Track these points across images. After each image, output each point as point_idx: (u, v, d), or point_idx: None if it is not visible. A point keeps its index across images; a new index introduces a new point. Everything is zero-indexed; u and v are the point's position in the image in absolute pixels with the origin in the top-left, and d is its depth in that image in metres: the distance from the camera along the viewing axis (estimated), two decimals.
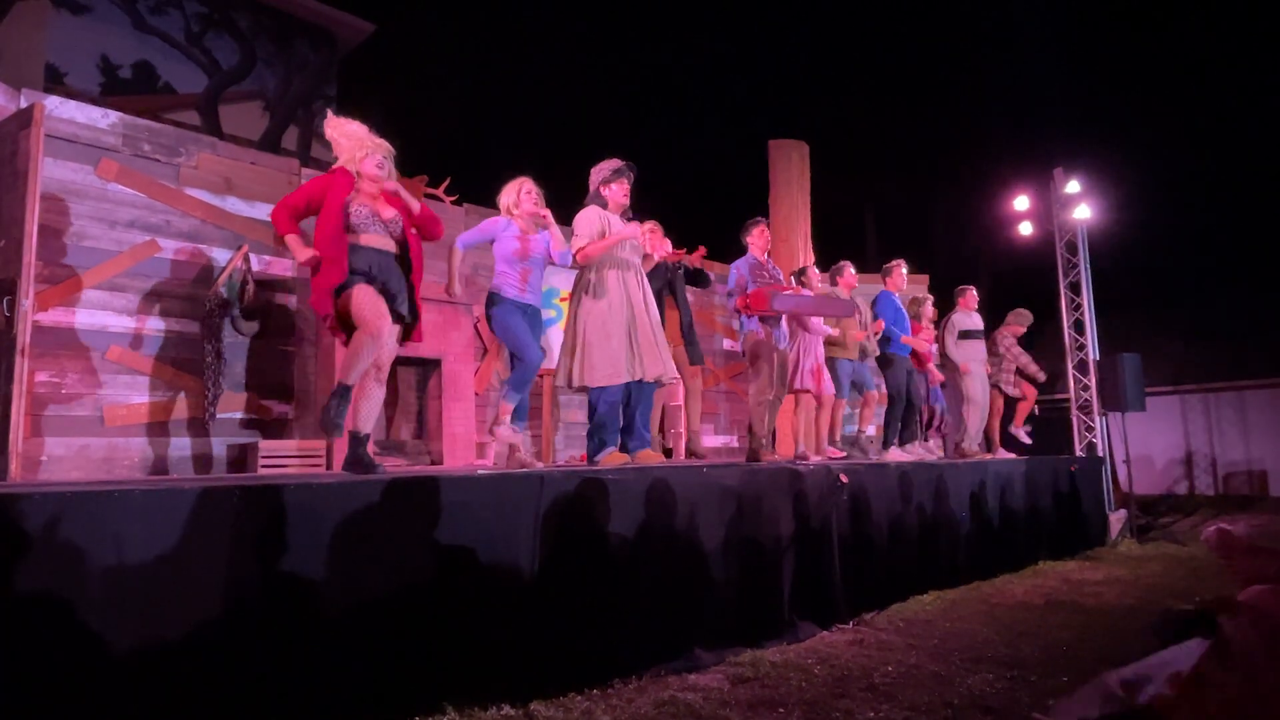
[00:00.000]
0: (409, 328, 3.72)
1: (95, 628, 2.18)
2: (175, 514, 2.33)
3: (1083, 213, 9.42)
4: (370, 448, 4.71)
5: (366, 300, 3.42)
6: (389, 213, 3.61)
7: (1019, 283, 11.39)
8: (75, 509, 2.18)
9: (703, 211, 5.33)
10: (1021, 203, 9.69)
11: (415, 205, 3.73)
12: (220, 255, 5.12)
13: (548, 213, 4.21)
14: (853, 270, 6.68)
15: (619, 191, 4.41)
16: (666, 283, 5.20)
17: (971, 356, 7.34)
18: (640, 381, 4.27)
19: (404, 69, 13.37)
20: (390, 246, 3.60)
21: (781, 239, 7.93)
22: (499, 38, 14.77)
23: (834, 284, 6.71)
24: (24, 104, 4.46)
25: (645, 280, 4.44)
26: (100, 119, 4.77)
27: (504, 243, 4.13)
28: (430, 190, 6.13)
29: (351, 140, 3.65)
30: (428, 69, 13.63)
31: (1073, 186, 9.43)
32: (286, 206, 3.51)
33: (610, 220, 4.37)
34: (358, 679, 2.59)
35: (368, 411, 3.53)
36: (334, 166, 3.68)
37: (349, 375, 3.40)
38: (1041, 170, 9.95)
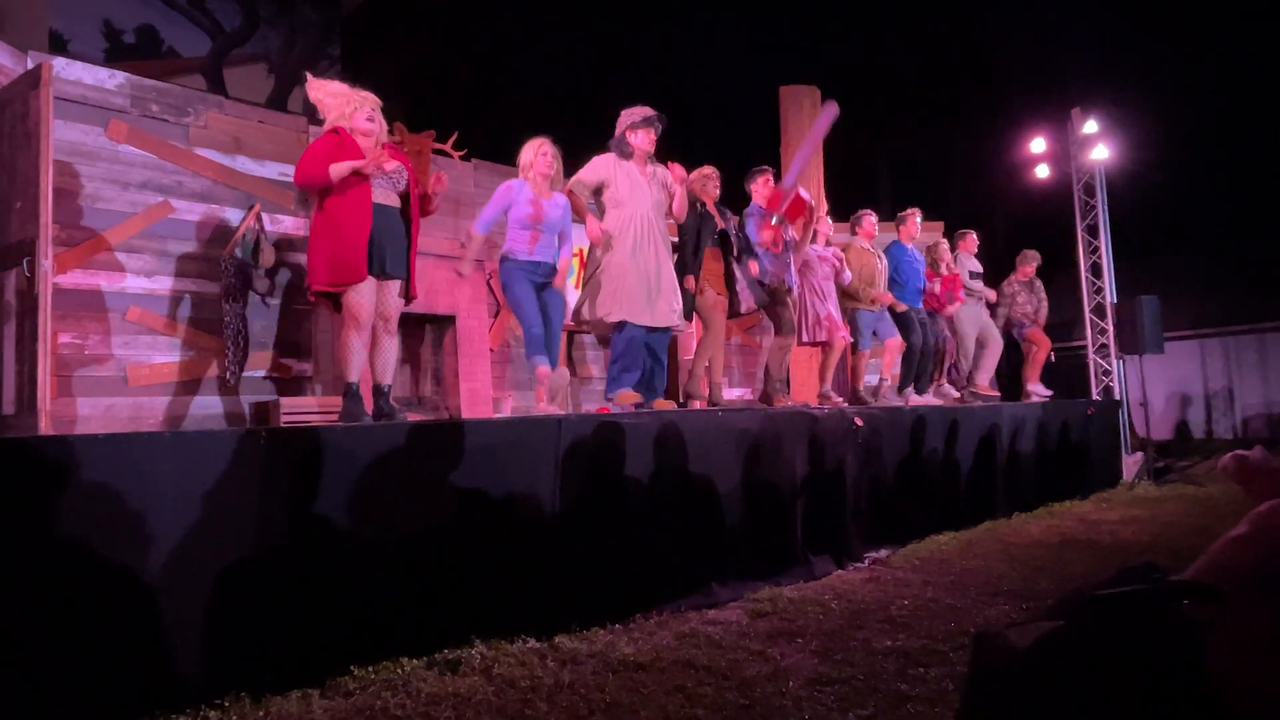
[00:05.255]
0: (407, 284, 3.74)
1: (132, 567, 2.25)
2: (210, 457, 2.39)
3: (1101, 153, 9.24)
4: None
5: (365, 298, 3.46)
6: (391, 165, 3.60)
7: (1035, 226, 11.25)
8: (111, 453, 2.24)
9: (713, 159, 5.26)
10: (1038, 145, 9.51)
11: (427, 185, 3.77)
12: (233, 215, 5.14)
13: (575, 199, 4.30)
14: (873, 219, 6.61)
15: (645, 140, 4.45)
16: (715, 230, 5.14)
17: (977, 294, 7.40)
18: (655, 329, 4.34)
19: (408, 25, 13.19)
20: (394, 202, 3.62)
21: None
22: None
23: (853, 233, 6.67)
24: (30, 66, 4.46)
25: (663, 226, 4.48)
26: (107, 80, 4.77)
27: (517, 207, 4.18)
28: (438, 145, 6.09)
29: (337, 98, 3.64)
30: (431, 24, 13.43)
31: (1090, 126, 9.23)
32: (315, 158, 3.45)
33: (622, 170, 4.40)
34: (388, 614, 2.67)
35: (383, 363, 3.61)
36: (330, 127, 3.65)
37: (351, 372, 3.48)
38: (1059, 111, 9.74)
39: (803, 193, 5.40)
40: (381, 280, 3.56)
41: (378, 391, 3.60)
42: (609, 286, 4.27)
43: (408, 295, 3.78)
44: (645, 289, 4.26)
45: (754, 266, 5.29)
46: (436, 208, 4.00)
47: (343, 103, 3.62)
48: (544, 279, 4.24)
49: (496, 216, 4.25)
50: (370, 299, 3.50)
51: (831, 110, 5.38)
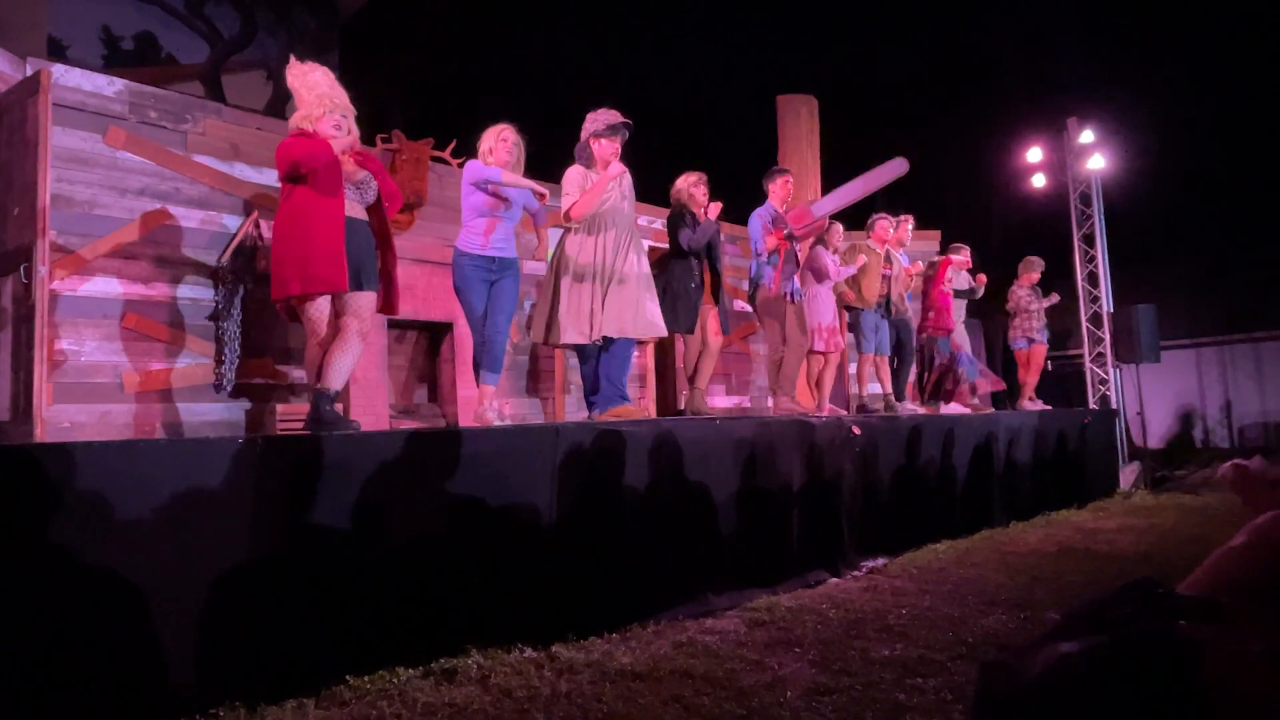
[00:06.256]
0: (386, 295, 3.64)
1: (127, 575, 2.24)
2: (205, 464, 2.38)
3: (1097, 163, 9.29)
4: (386, 410, 4.76)
5: (324, 310, 3.42)
6: (360, 175, 3.50)
7: (1032, 236, 11.29)
8: (106, 461, 2.23)
9: (710, 169, 5.28)
10: (1034, 154, 9.56)
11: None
12: (231, 221, 5.13)
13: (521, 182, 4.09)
14: (887, 224, 6.62)
15: (608, 148, 4.26)
16: (706, 243, 5.08)
17: (957, 315, 7.47)
18: (611, 339, 4.17)
19: (406, 32, 13.22)
20: (360, 213, 3.52)
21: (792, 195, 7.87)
22: None
23: (867, 236, 6.72)
24: (29, 72, 4.46)
25: (634, 236, 4.34)
26: (106, 86, 4.77)
27: (475, 192, 4.06)
28: (436, 153, 6.10)
29: (312, 94, 3.54)
30: (430, 32, 13.47)
31: (1086, 136, 9.29)
32: (298, 148, 3.35)
33: (589, 180, 4.26)
34: (384, 623, 2.66)
35: (342, 368, 3.40)
36: (296, 128, 3.57)
37: (335, 380, 3.38)
38: (1055, 121, 9.79)
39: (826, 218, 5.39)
40: (353, 292, 3.45)
41: (322, 396, 3.37)
42: (566, 310, 4.11)
43: (388, 307, 3.66)
44: (596, 304, 4.09)
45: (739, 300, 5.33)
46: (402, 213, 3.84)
47: (314, 102, 3.50)
48: (499, 274, 4.09)
49: (485, 176, 4.02)
50: (327, 311, 3.43)
51: (900, 165, 5.47)
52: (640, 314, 4.16)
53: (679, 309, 4.93)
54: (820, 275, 6.00)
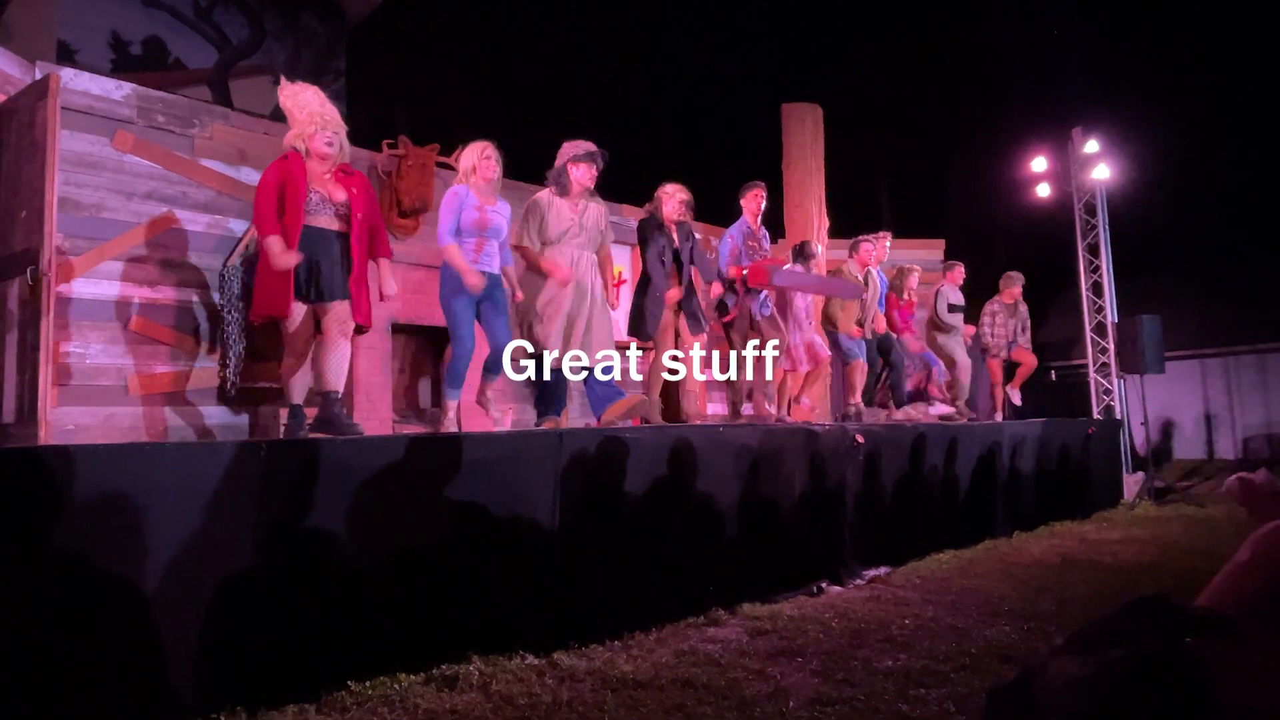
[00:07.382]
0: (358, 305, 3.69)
1: (129, 579, 2.24)
2: (209, 468, 2.39)
3: (1101, 173, 9.29)
4: (389, 414, 4.78)
5: (296, 323, 3.51)
6: (340, 195, 3.64)
7: (1036, 245, 11.29)
8: (109, 464, 2.24)
9: (715, 177, 5.31)
10: (1039, 164, 9.57)
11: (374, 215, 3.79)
12: (237, 226, 5.15)
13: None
14: (870, 247, 6.63)
15: (585, 175, 4.40)
16: (672, 249, 5.12)
17: (953, 327, 7.47)
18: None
19: (413, 39, 13.28)
20: (335, 226, 3.63)
21: (795, 204, 7.86)
22: (508, 6, 14.64)
23: (850, 255, 6.72)
24: (38, 76, 4.49)
25: (596, 264, 4.52)
26: (114, 90, 4.79)
27: (465, 213, 4.14)
28: (442, 159, 6.12)
29: (304, 113, 3.65)
30: (437, 39, 13.53)
31: (1091, 146, 9.29)
32: (268, 208, 3.49)
33: (553, 209, 4.38)
34: (386, 629, 2.65)
35: (336, 368, 3.52)
36: (285, 150, 3.69)
37: (295, 395, 3.55)
38: (1060, 130, 9.81)
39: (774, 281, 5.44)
40: (318, 304, 3.54)
41: (326, 399, 3.46)
42: (541, 326, 4.26)
43: (362, 323, 3.71)
44: (570, 333, 4.25)
45: (716, 287, 5.34)
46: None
47: (307, 120, 3.62)
48: (486, 292, 4.15)
49: (455, 222, 4.14)
50: (303, 324, 3.54)
51: (858, 291, 5.98)
52: (610, 333, 4.44)
53: (640, 318, 5.04)
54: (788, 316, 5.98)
